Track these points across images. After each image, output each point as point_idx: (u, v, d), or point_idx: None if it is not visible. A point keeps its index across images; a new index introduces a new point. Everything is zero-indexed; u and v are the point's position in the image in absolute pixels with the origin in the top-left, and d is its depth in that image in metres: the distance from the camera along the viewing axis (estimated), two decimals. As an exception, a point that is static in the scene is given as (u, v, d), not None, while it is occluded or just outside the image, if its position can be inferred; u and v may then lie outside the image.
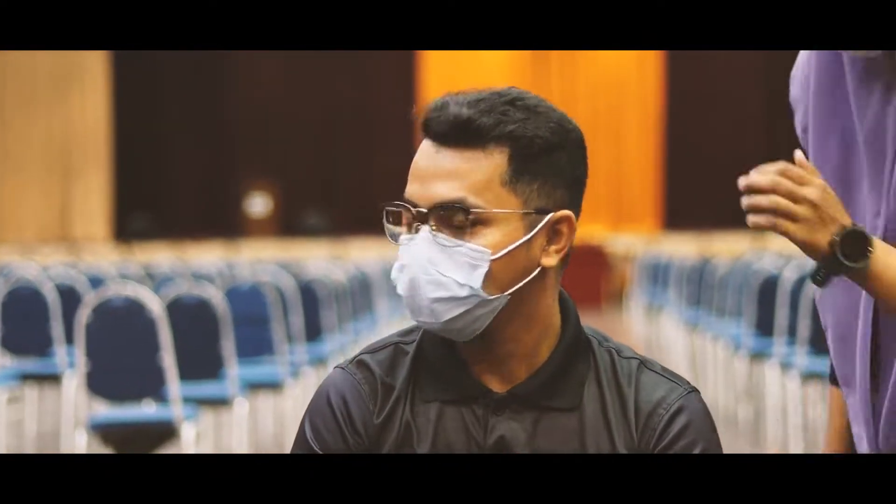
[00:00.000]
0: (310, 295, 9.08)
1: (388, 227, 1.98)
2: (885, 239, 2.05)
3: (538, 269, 1.96)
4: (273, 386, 7.88)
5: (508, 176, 1.93)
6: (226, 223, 24.39)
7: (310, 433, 2.03)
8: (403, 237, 1.96)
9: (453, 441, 1.97)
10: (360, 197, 25.17)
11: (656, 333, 14.87)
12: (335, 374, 2.06)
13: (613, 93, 25.52)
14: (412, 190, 1.95)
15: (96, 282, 9.44)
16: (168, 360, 5.96)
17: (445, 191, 1.92)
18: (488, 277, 1.92)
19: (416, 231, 1.94)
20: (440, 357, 2.01)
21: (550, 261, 1.97)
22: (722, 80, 25.10)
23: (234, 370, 6.93)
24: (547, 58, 25.48)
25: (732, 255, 19.20)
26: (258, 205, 24.36)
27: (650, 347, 14.52)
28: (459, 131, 1.94)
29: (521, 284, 1.95)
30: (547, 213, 1.96)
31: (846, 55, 2.16)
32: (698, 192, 24.41)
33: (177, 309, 6.59)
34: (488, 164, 1.93)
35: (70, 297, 8.51)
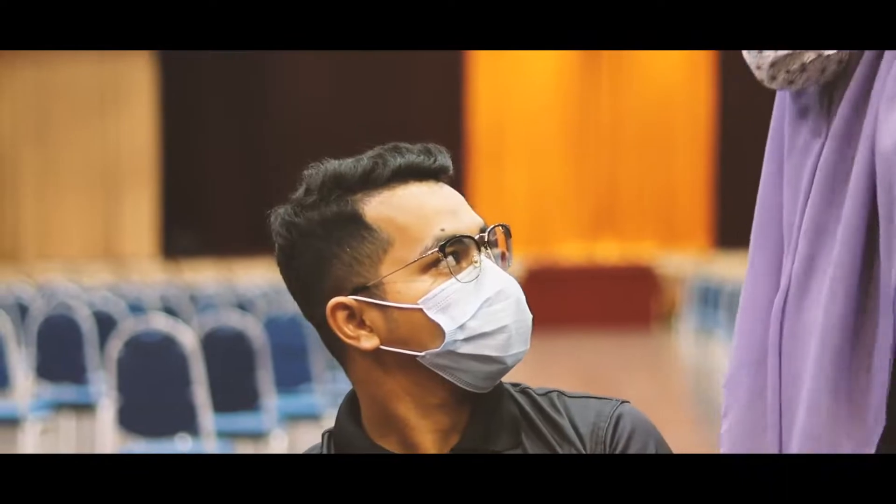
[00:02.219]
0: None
1: (450, 267, 1.75)
2: (784, 302, 1.89)
3: None
4: (313, 417, 7.70)
5: None
6: (271, 239, 24.33)
7: None
8: (465, 274, 1.75)
9: None
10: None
11: (705, 358, 14.61)
12: None
13: (663, 107, 25.29)
14: (453, 224, 1.77)
15: (135, 308, 9.31)
16: (201, 395, 5.79)
17: (479, 216, 1.82)
18: None
19: (475, 264, 1.77)
20: (359, 441, 1.81)
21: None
22: (774, 93, 24.88)
23: (273, 401, 6.76)
24: (596, 72, 25.31)
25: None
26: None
27: (699, 373, 14.28)
28: (447, 168, 1.85)
29: None
30: None
31: (789, 97, 2.00)
32: (751, 208, 24.14)
33: (213, 340, 6.43)
34: None
35: (107, 324, 8.38)
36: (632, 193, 24.94)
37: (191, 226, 24.66)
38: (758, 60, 1.93)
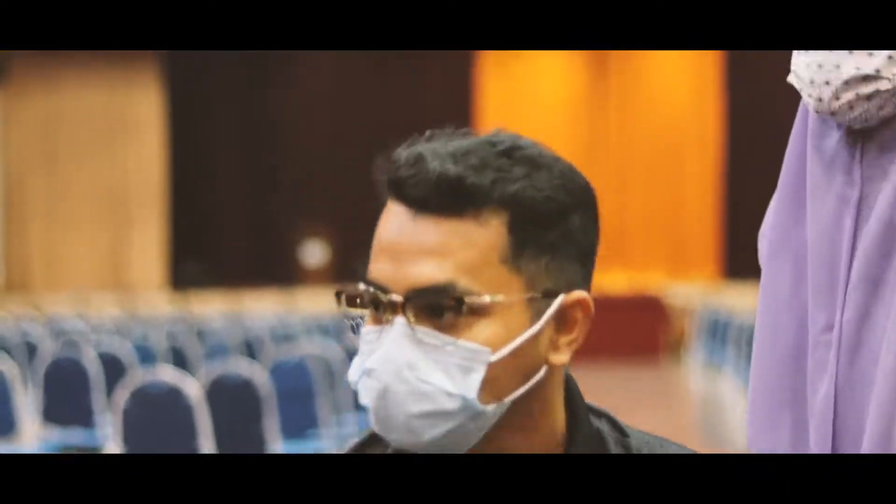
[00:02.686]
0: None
1: (347, 312, 1.51)
2: (838, 353, 1.85)
3: (544, 368, 1.52)
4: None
5: (509, 250, 1.47)
6: (280, 270, 24.41)
7: None
8: (368, 331, 1.49)
9: None
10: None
11: (714, 393, 14.57)
12: None
13: (673, 134, 25.34)
14: (381, 270, 1.49)
15: (142, 349, 9.33)
16: (206, 445, 5.80)
17: (429, 272, 1.46)
18: (486, 383, 1.47)
19: (387, 324, 1.48)
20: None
21: (561, 357, 1.53)
22: (784, 123, 24.77)
23: (279, 448, 6.76)
24: (604, 99, 25.38)
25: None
26: (312, 252, 24.33)
27: (707, 408, 14.24)
28: (446, 195, 1.48)
29: (523, 390, 1.50)
30: (556, 296, 1.51)
31: (811, 149, 1.98)
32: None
33: (220, 388, 6.44)
34: (483, 236, 1.47)
35: (115, 367, 8.42)
36: (640, 222, 24.96)
37: (199, 256, 24.70)
38: (828, 76, 1.87)
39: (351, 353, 8.85)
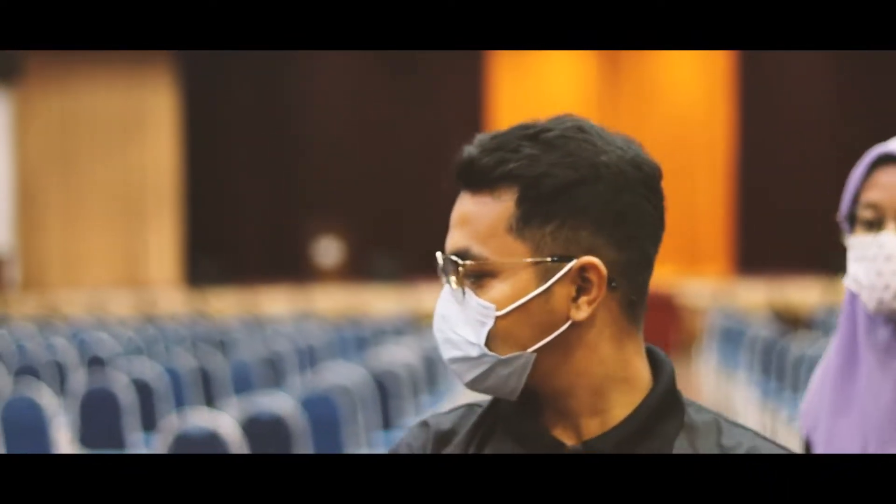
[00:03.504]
0: (383, 387, 9.12)
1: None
2: None
3: (567, 323, 1.73)
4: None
5: (515, 220, 1.73)
6: (294, 267, 24.55)
7: None
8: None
9: None
10: (429, 240, 25.22)
11: (726, 398, 14.74)
12: (401, 437, 1.95)
13: (684, 132, 25.44)
14: (447, 242, 1.80)
15: (173, 374, 9.56)
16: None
17: (456, 239, 1.77)
18: (497, 335, 1.72)
19: (443, 283, 1.79)
20: (515, 410, 1.82)
21: (581, 314, 1.73)
22: (795, 121, 25.05)
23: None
24: (617, 97, 25.50)
25: (806, 306, 19.07)
26: (326, 249, 24.47)
27: (721, 411, 14.38)
28: (469, 174, 1.79)
29: (547, 340, 1.73)
30: (568, 261, 1.72)
31: (862, 329, 2.21)
32: (771, 234, 24.31)
33: (253, 425, 6.64)
34: (495, 209, 1.74)
35: (144, 390, 8.68)
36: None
37: (214, 253, 24.84)
38: (889, 280, 2.16)
39: (374, 376, 9.05)
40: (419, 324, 18.34)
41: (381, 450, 8.70)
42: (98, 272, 25.19)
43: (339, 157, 25.43)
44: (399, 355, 10.71)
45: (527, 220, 1.72)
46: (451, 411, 1.92)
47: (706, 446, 1.78)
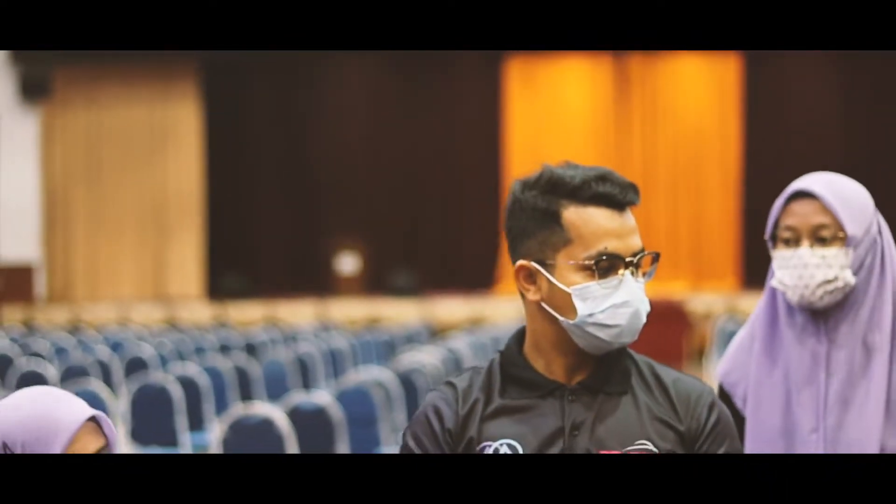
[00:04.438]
0: (410, 386, 9.70)
1: (598, 274, 2.53)
2: (824, 443, 3.02)
3: None
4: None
5: None
6: (315, 281, 24.94)
7: (411, 443, 2.60)
8: (611, 280, 2.53)
9: (536, 425, 2.55)
10: (445, 255, 25.72)
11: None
12: (429, 396, 2.65)
13: (694, 147, 25.80)
14: (617, 245, 2.52)
15: (214, 374, 10.14)
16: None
17: (639, 242, 2.55)
18: None
19: (636, 276, 2.55)
20: (521, 367, 2.60)
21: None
22: (801, 136, 25.33)
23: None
24: (629, 105, 25.89)
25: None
26: (347, 263, 24.91)
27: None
28: (635, 195, 2.55)
29: None
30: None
31: (783, 316, 3.12)
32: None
33: (297, 416, 7.23)
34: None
35: (191, 388, 9.28)
36: (663, 232, 25.50)
37: (237, 267, 25.29)
38: (808, 281, 3.06)
39: (401, 378, 9.62)
40: (438, 334, 18.89)
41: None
42: (123, 285, 25.68)
43: (358, 171, 25.83)
44: (424, 359, 11.30)
45: None
46: (462, 373, 2.66)
47: (647, 373, 2.63)
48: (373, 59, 25.70)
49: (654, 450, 2.53)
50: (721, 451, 2.57)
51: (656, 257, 2.58)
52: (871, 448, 2.99)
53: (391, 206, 25.83)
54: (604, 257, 2.51)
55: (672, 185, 25.80)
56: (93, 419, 2.56)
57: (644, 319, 2.55)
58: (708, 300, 22.63)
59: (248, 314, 22.48)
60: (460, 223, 25.78)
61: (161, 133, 25.92)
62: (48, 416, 2.52)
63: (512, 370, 2.62)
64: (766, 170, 24.76)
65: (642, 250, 2.55)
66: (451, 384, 2.65)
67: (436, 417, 2.60)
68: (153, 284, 25.78)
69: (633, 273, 2.53)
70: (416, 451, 2.60)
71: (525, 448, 2.53)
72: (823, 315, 3.09)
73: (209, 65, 25.68)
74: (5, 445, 2.50)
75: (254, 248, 26.11)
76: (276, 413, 6.76)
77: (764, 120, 25.49)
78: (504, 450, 2.54)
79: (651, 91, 25.83)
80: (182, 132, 25.93)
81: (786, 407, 3.10)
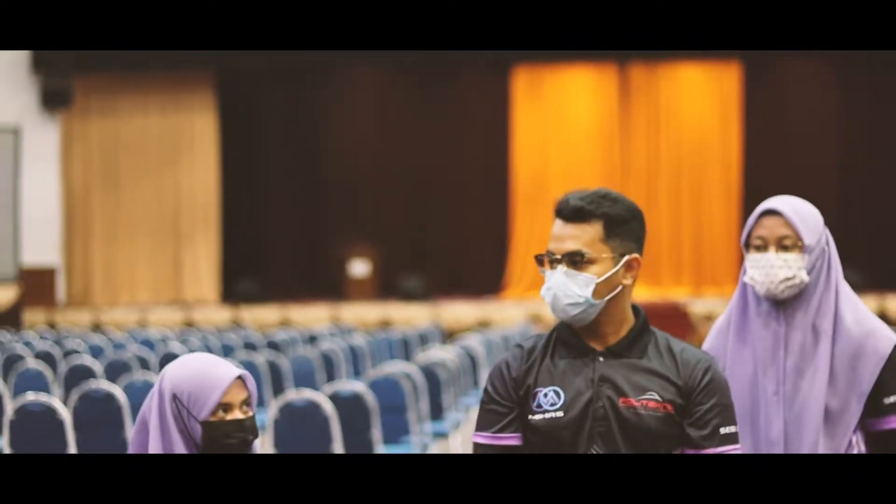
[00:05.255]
0: (433, 379, 10.41)
1: (539, 266, 3.49)
2: (785, 408, 3.96)
3: (620, 287, 3.46)
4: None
5: (603, 237, 3.41)
6: (327, 286, 25.43)
7: (489, 386, 3.51)
8: (548, 272, 3.46)
9: (575, 377, 3.44)
10: (454, 260, 26.26)
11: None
12: (505, 354, 3.57)
13: (696, 156, 26.22)
14: (552, 246, 3.45)
15: (250, 367, 10.81)
16: (338, 448, 7.34)
17: (569, 245, 3.43)
18: (596, 292, 3.41)
19: (555, 268, 3.44)
20: (568, 335, 3.50)
21: (627, 281, 3.47)
22: (801, 141, 25.68)
23: (380, 451, 8.29)
24: (631, 122, 26.34)
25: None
26: (358, 268, 25.35)
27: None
28: (577, 213, 3.43)
29: (611, 295, 3.44)
30: (625, 256, 3.45)
31: (752, 305, 4.05)
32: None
33: (336, 401, 7.94)
34: (592, 231, 3.42)
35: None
36: (667, 238, 26.09)
37: (251, 272, 25.86)
38: (773, 278, 3.99)
39: (425, 372, 10.31)
40: (449, 336, 19.53)
41: (431, 438, 10.03)
42: (140, 290, 26.31)
43: (369, 178, 26.31)
44: (443, 355, 12.00)
45: (609, 236, 3.44)
46: (530, 338, 3.59)
47: (662, 344, 3.50)
48: (382, 68, 26.31)
49: (659, 398, 3.41)
50: (711, 402, 3.43)
51: (580, 257, 3.43)
52: (818, 407, 3.95)
53: (401, 212, 26.32)
54: (543, 254, 3.48)
55: (675, 192, 26.23)
56: (240, 377, 3.37)
57: (563, 302, 3.43)
58: (710, 304, 23.08)
59: (264, 317, 23.03)
60: (469, 229, 26.31)
61: (177, 141, 26.53)
62: (208, 374, 3.35)
63: (562, 336, 3.54)
64: (767, 175, 25.10)
65: (571, 252, 3.42)
66: (520, 346, 3.57)
67: (506, 369, 3.52)
68: (170, 289, 26.35)
69: (555, 266, 3.44)
70: (492, 392, 3.52)
71: (566, 392, 3.45)
72: (783, 305, 4.04)
73: (224, 74, 26.29)
74: (175, 396, 3.32)
75: (268, 253, 26.64)
76: (320, 398, 7.47)
77: (764, 126, 25.88)
78: (551, 394, 3.45)
79: (654, 99, 26.26)
80: (198, 140, 26.52)
81: (754, 376, 4.03)
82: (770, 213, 4.07)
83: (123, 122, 26.35)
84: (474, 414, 11.25)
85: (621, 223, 3.44)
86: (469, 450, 3.76)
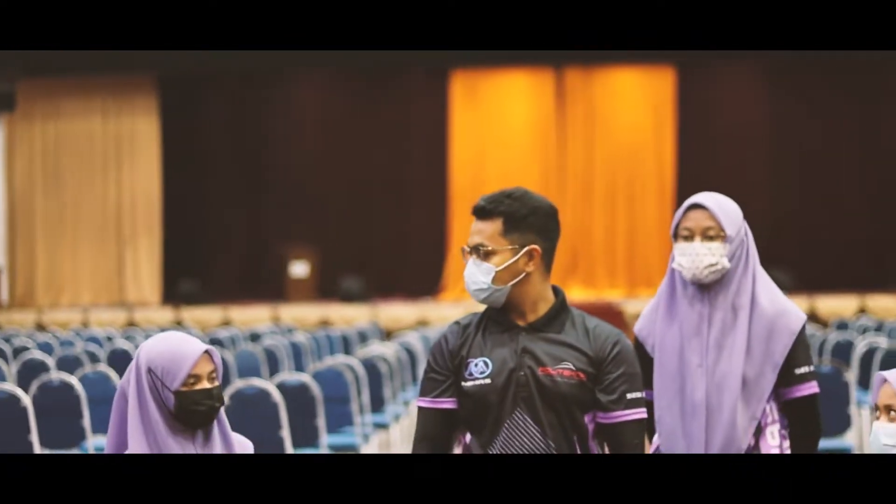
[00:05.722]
0: (374, 372, 10.86)
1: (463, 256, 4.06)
2: (706, 375, 4.49)
3: (524, 273, 3.98)
4: (352, 449, 9.61)
5: (503, 231, 3.95)
6: (268, 287, 25.65)
7: (430, 358, 4.07)
8: (467, 262, 4.03)
9: (501, 349, 3.97)
10: (393, 262, 26.58)
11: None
12: (444, 329, 4.15)
13: (631, 159, 26.50)
14: (468, 241, 4.00)
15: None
16: (286, 434, 7.78)
17: (477, 239, 4.00)
18: (496, 279, 3.96)
19: (468, 259, 4.02)
20: (496, 313, 4.03)
21: (530, 269, 3.98)
22: (732, 145, 26.14)
23: (325, 440, 8.74)
24: (567, 127, 26.59)
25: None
26: (298, 270, 25.59)
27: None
28: (481, 212, 3.99)
29: (515, 281, 3.97)
30: (524, 247, 3.97)
31: (679, 288, 4.57)
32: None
33: (283, 390, 8.36)
34: (493, 227, 3.96)
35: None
36: (601, 243, 26.45)
37: (192, 273, 26.02)
38: (698, 263, 4.51)
39: (366, 365, 10.74)
40: (388, 334, 19.90)
41: (372, 428, 10.47)
42: (82, 291, 26.49)
43: (310, 182, 26.51)
44: (383, 350, 12.44)
45: (509, 231, 3.97)
46: (466, 316, 4.12)
47: (578, 321, 4.04)
48: (324, 72, 26.57)
49: (573, 368, 3.95)
50: (619, 371, 3.98)
51: (483, 249, 3.99)
52: (736, 376, 4.46)
53: (341, 214, 26.55)
54: (464, 247, 4.04)
55: (610, 195, 26.48)
56: (206, 352, 3.84)
57: (472, 287, 4.00)
58: (643, 304, 23.19)
59: (205, 318, 23.23)
60: (408, 231, 26.62)
61: (120, 144, 26.70)
62: (179, 349, 3.84)
63: (492, 314, 4.11)
64: (700, 178, 25.16)
65: (477, 244, 3.98)
66: (457, 322, 4.15)
67: (445, 342, 4.11)
68: (112, 290, 26.52)
69: (467, 257, 4.01)
70: (432, 362, 4.08)
71: (493, 362, 4.00)
72: (707, 288, 4.55)
73: (167, 77, 26.48)
74: (150, 370, 3.79)
75: (209, 254, 26.86)
76: (269, 386, 7.91)
77: (697, 130, 26.16)
78: (480, 364, 4.01)
79: (589, 103, 26.48)
80: (140, 143, 26.70)
81: (680, 351, 4.53)
82: (696, 206, 4.59)
83: (66, 125, 26.53)
84: (413, 408, 11.75)
85: (520, 219, 3.96)
86: (409, 443, 4.37)
